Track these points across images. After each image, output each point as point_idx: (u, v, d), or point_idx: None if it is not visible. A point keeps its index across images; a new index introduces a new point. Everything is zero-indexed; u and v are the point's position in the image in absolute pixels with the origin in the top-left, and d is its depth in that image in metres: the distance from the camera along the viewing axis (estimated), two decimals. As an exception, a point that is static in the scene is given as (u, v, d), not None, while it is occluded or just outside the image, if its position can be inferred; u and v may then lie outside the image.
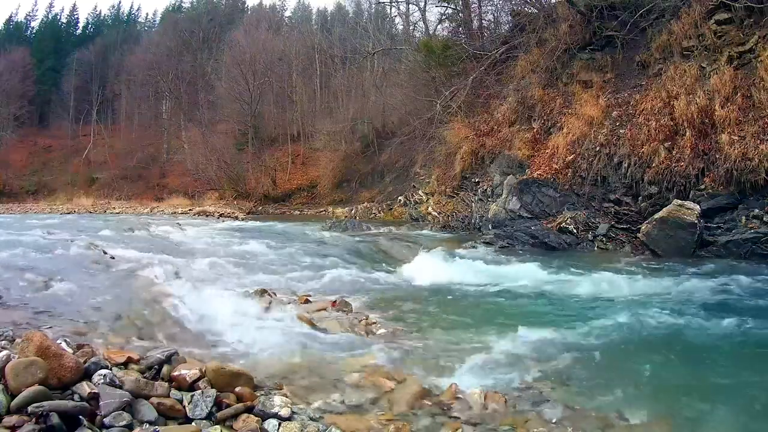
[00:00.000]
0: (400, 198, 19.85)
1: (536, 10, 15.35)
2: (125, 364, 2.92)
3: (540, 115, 12.80)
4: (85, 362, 2.66)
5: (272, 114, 35.01)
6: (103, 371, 2.63)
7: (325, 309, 5.24)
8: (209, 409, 2.61)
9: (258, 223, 17.58)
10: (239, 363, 3.31)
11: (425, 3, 24.24)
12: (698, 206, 8.58)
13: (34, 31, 58.97)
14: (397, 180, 23.36)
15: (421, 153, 19.22)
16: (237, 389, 2.80)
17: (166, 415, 2.55)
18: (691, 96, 9.55)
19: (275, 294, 5.73)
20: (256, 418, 2.62)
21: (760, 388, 3.53)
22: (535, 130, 12.76)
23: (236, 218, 21.41)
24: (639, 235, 9.14)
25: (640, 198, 9.76)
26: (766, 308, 5.37)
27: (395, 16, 34.43)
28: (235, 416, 2.63)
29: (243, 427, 2.56)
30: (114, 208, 28.59)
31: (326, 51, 36.26)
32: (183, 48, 44.23)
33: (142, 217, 20.98)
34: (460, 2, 19.78)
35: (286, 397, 2.88)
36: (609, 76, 12.00)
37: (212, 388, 2.74)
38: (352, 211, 21.77)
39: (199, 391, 2.71)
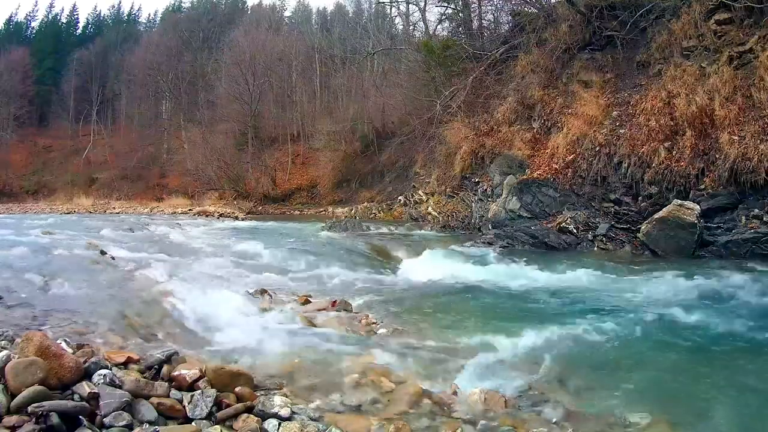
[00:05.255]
0: (400, 198, 19.85)
1: (536, 10, 15.31)
2: (125, 364, 2.92)
3: (540, 115, 12.79)
4: (85, 362, 2.66)
5: (272, 114, 35.00)
6: (103, 371, 2.63)
7: (325, 309, 5.24)
8: (209, 409, 2.61)
9: (258, 223, 17.59)
10: (239, 363, 3.31)
11: (425, 3, 24.25)
12: (698, 206, 8.57)
13: (34, 31, 59.07)
14: (397, 180, 23.37)
15: (421, 153, 19.21)
16: (237, 389, 2.80)
17: (166, 415, 2.55)
18: (691, 96, 9.53)
19: (275, 294, 5.74)
20: (256, 418, 2.62)
21: (760, 388, 3.53)
22: (535, 130, 12.75)
23: (236, 218, 21.43)
24: (639, 235, 9.14)
25: (640, 198, 9.75)
26: (766, 308, 5.36)
27: (395, 16, 34.45)
28: (235, 416, 2.62)
29: (243, 427, 2.55)
30: (114, 208, 28.62)
31: (326, 51, 36.28)
32: (183, 48, 44.22)
33: (142, 217, 20.98)
34: (460, 2, 19.77)
35: (286, 397, 2.88)
36: (609, 76, 11.98)
37: (212, 388, 2.74)
38: (352, 211, 21.77)
39: (199, 391, 2.71)
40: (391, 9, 33.53)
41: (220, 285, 5.77)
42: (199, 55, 43.85)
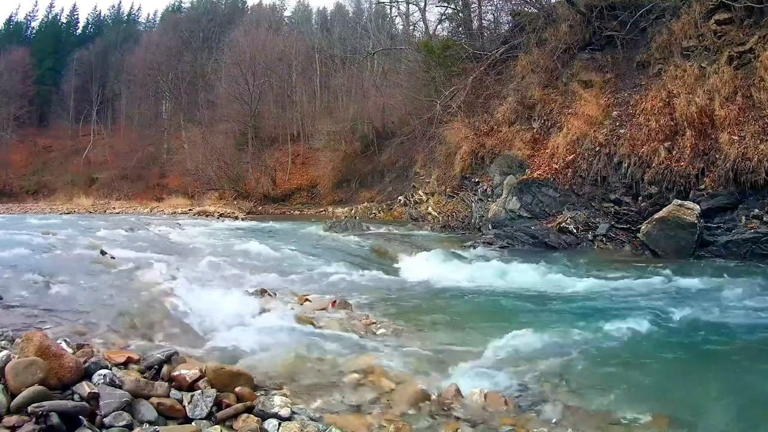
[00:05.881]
0: (400, 198, 19.86)
1: (536, 10, 15.32)
2: (125, 364, 2.92)
3: (540, 115, 12.79)
4: (85, 362, 2.66)
5: (272, 114, 34.99)
6: (103, 371, 2.63)
7: (325, 309, 5.24)
8: (209, 409, 2.61)
9: (258, 223, 17.58)
10: (239, 363, 3.31)
11: (425, 3, 24.26)
12: (698, 206, 8.57)
13: (34, 31, 59.07)
14: (397, 180, 23.38)
15: (421, 153, 19.22)
16: (237, 389, 2.80)
17: (166, 415, 2.55)
18: (691, 96, 9.54)
19: (275, 294, 5.73)
20: (256, 418, 2.62)
21: (760, 387, 3.53)
22: (535, 130, 12.75)
23: (236, 218, 21.41)
24: (639, 235, 9.14)
25: (640, 198, 9.76)
26: (766, 308, 5.36)
27: (395, 16, 34.48)
28: (235, 416, 2.62)
29: (243, 427, 2.55)
30: (114, 208, 28.61)
31: (326, 51, 36.27)
32: (183, 48, 44.22)
33: (142, 217, 20.98)
34: (460, 2, 19.77)
35: (286, 397, 2.88)
36: (609, 76, 11.99)
37: (212, 388, 2.74)
38: (352, 211, 21.78)
39: (199, 391, 2.71)
40: (391, 9, 33.58)
41: (220, 285, 5.77)
42: (199, 55, 43.84)
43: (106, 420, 2.36)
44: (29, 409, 2.24)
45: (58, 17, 60.61)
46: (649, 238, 8.81)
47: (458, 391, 3.16)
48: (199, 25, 49.05)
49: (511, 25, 17.19)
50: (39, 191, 39.49)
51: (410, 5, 27.46)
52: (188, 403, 2.62)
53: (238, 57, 34.34)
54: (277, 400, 2.78)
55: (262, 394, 2.87)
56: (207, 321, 4.31)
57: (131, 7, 79.50)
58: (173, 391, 2.71)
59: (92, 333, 3.54)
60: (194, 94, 40.37)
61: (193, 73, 42.10)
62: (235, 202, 27.79)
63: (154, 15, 70.19)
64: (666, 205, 8.86)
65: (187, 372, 2.82)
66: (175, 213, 24.18)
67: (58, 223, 14.00)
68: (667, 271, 7.22)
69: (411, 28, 29.08)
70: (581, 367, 3.78)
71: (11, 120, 43.28)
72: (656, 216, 8.82)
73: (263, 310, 4.89)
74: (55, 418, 2.21)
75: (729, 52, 9.58)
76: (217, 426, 2.54)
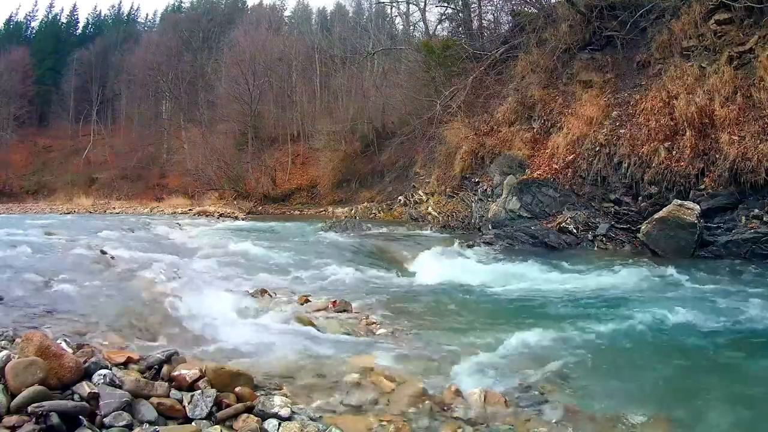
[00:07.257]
0: (400, 198, 19.85)
1: (536, 10, 15.33)
2: (125, 364, 2.92)
3: (540, 115, 12.79)
4: (85, 362, 2.66)
5: (272, 114, 34.99)
6: (103, 371, 2.63)
7: (325, 309, 5.25)
8: (209, 409, 2.61)
9: (258, 223, 17.59)
10: (239, 363, 3.31)
11: (425, 3, 24.28)
12: (698, 206, 8.56)
13: (34, 31, 59.09)
14: (397, 180, 23.36)
15: (421, 153, 19.23)
16: (237, 389, 2.80)
17: (166, 415, 2.55)
18: (691, 96, 9.53)
19: (275, 294, 5.74)
20: (256, 418, 2.62)
21: (760, 388, 3.53)
22: (535, 130, 12.75)
23: (236, 218, 21.43)
24: (639, 235, 9.13)
25: (640, 198, 9.75)
26: (766, 308, 5.36)
27: (395, 16, 34.51)
28: (235, 416, 2.63)
29: (243, 427, 2.56)
30: (114, 208, 28.62)
31: (326, 51, 36.27)
32: (183, 48, 44.22)
33: (142, 217, 20.98)
34: (460, 2, 19.78)
35: (286, 397, 2.89)
36: (609, 76, 11.98)
37: (212, 388, 2.74)
38: (352, 211, 21.77)
39: (199, 391, 2.71)
40: (391, 9, 33.59)
41: (220, 285, 5.78)
42: (199, 55, 43.84)
43: (106, 420, 2.36)
44: (29, 409, 2.24)
45: (58, 17, 60.71)
46: (649, 238, 8.80)
47: (458, 391, 3.17)
48: (199, 25, 49.04)
49: (511, 25, 17.20)
50: (39, 191, 39.50)
51: (410, 5, 27.51)
52: (188, 403, 2.62)
53: (238, 57, 34.35)
54: (277, 400, 2.78)
55: (262, 394, 2.87)
56: (207, 321, 4.31)
57: (131, 7, 79.59)
58: (173, 391, 2.71)
59: (92, 333, 3.54)
60: (194, 94, 40.35)
61: (193, 73, 42.08)
62: (235, 202, 27.78)
63: (154, 15, 70.25)
64: (666, 205, 8.85)
65: (187, 372, 2.83)
66: (175, 213, 24.18)
67: (58, 223, 14.00)
68: (667, 271, 7.22)
69: (411, 28, 29.16)
70: (581, 368, 3.78)
71: (11, 120, 43.29)
72: (656, 216, 8.82)
73: (263, 310, 4.90)
74: (55, 418, 2.21)
75: (729, 52, 9.57)
76: (217, 426, 2.54)
